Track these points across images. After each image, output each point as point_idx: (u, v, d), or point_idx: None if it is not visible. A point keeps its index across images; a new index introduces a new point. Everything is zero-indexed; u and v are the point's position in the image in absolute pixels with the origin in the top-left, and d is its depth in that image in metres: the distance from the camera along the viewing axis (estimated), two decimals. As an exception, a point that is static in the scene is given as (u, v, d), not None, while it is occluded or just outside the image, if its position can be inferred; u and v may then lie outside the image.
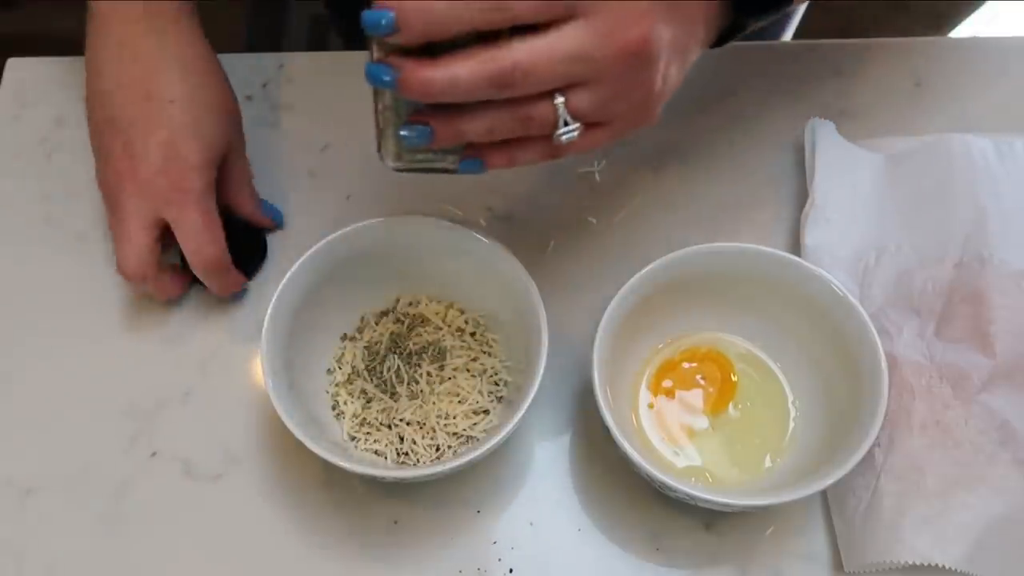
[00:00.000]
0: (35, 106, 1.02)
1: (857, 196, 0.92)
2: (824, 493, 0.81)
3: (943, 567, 0.73)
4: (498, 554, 0.80)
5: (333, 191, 0.96)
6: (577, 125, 0.64)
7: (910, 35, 1.05)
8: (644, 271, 0.79)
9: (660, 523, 0.81)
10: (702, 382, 0.84)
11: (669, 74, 0.66)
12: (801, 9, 1.23)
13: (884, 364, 0.75)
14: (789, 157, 0.97)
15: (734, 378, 0.84)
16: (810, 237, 0.88)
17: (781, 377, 0.84)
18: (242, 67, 1.03)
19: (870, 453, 0.77)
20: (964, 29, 1.58)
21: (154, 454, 0.84)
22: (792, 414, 0.83)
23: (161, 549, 0.81)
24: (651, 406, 0.83)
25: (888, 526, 0.75)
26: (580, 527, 0.81)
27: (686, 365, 0.85)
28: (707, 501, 0.73)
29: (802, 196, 0.93)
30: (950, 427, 0.78)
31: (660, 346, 0.86)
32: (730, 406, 0.83)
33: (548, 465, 0.84)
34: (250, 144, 0.98)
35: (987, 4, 1.62)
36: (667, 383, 0.84)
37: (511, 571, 0.79)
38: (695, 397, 0.84)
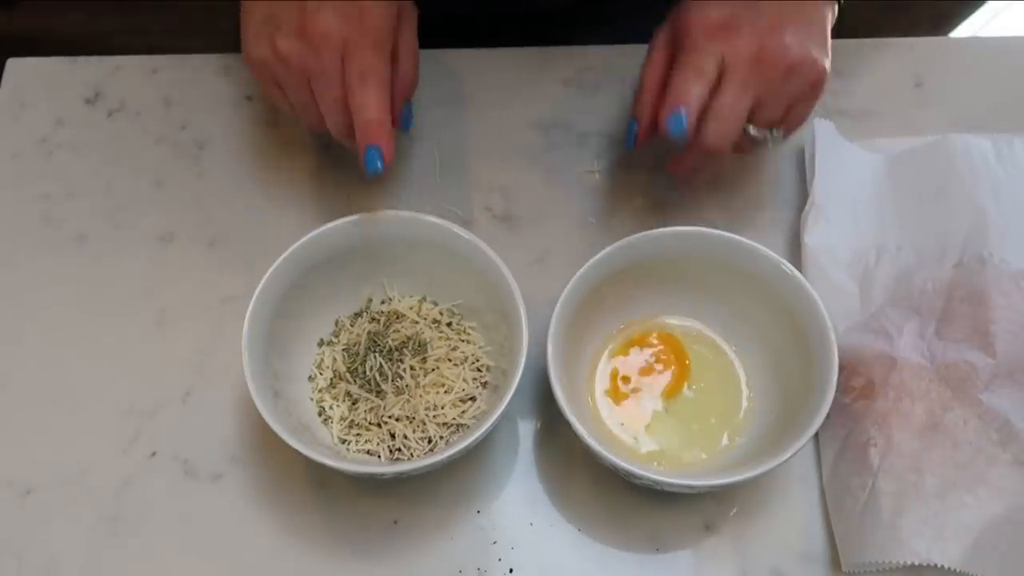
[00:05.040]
0: (35, 106, 1.02)
1: (857, 196, 0.92)
2: (822, 493, 0.81)
3: (942, 567, 0.74)
4: (498, 554, 0.80)
5: (334, 190, 0.96)
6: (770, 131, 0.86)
7: (910, 35, 1.06)
8: (592, 260, 0.81)
9: (660, 523, 0.81)
10: (657, 366, 0.85)
11: (806, 55, 0.82)
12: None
13: (833, 337, 0.77)
14: (789, 158, 0.97)
15: (687, 360, 0.86)
16: (810, 237, 0.89)
17: (733, 357, 0.86)
18: (242, 66, 1.03)
19: (865, 453, 0.78)
20: (964, 29, 1.58)
21: (154, 454, 0.84)
22: (746, 392, 0.84)
23: (161, 549, 0.81)
24: (608, 393, 0.85)
25: (886, 526, 0.75)
26: (580, 527, 0.81)
27: (639, 350, 0.86)
28: (671, 485, 0.74)
29: (802, 196, 0.93)
30: (950, 429, 0.78)
31: (613, 333, 0.87)
32: (685, 388, 0.85)
33: (548, 465, 0.84)
34: (250, 143, 0.98)
35: (987, 4, 1.62)
36: (622, 369, 0.85)
37: (511, 571, 0.79)
38: (651, 381, 0.85)
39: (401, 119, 0.89)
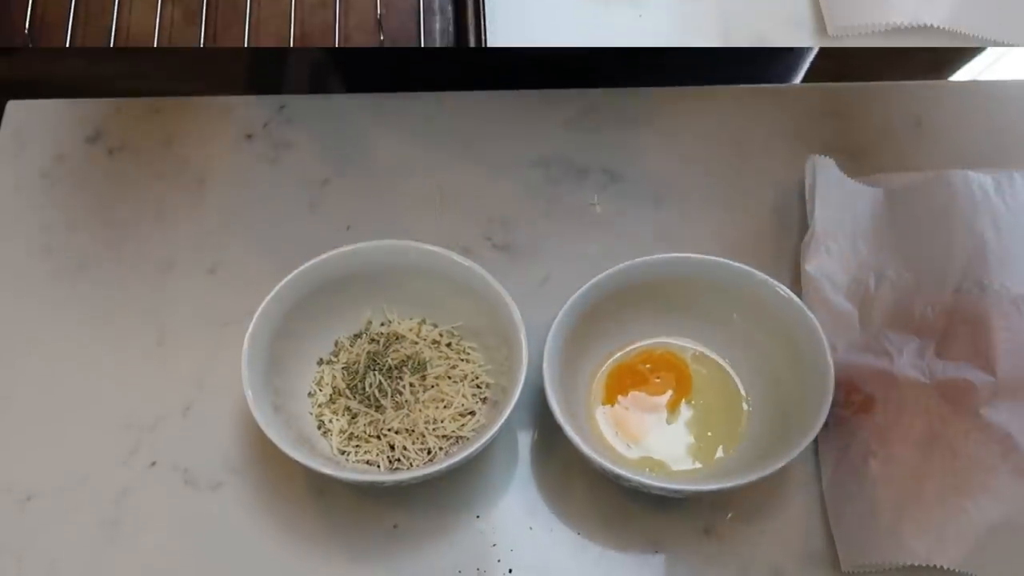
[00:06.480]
0: (35, 145, 1.03)
1: (857, 228, 0.92)
2: (822, 499, 0.81)
3: (942, 567, 0.73)
4: (497, 557, 0.79)
5: (333, 222, 0.96)
6: None
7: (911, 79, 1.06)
8: (591, 282, 0.82)
9: (659, 527, 0.80)
10: (657, 380, 0.86)
11: None
12: (811, 54, 1.23)
13: (829, 359, 0.78)
14: (791, 196, 0.98)
15: (688, 376, 0.86)
16: (810, 264, 0.89)
17: (734, 375, 0.86)
18: (243, 107, 1.04)
19: (865, 463, 0.78)
20: (964, 73, 1.60)
21: (154, 463, 0.83)
22: (745, 410, 0.85)
23: (161, 557, 0.80)
24: (606, 403, 0.85)
25: (886, 530, 0.75)
26: (579, 531, 0.80)
27: (641, 366, 0.87)
28: (660, 488, 0.75)
29: (804, 233, 0.93)
30: (950, 441, 0.77)
31: (613, 350, 0.88)
32: (684, 403, 0.85)
33: (547, 469, 0.83)
34: (251, 179, 0.99)
35: (986, 50, 1.64)
36: (621, 384, 0.86)
37: (510, 571, 0.78)
38: (650, 395, 0.85)
39: None
